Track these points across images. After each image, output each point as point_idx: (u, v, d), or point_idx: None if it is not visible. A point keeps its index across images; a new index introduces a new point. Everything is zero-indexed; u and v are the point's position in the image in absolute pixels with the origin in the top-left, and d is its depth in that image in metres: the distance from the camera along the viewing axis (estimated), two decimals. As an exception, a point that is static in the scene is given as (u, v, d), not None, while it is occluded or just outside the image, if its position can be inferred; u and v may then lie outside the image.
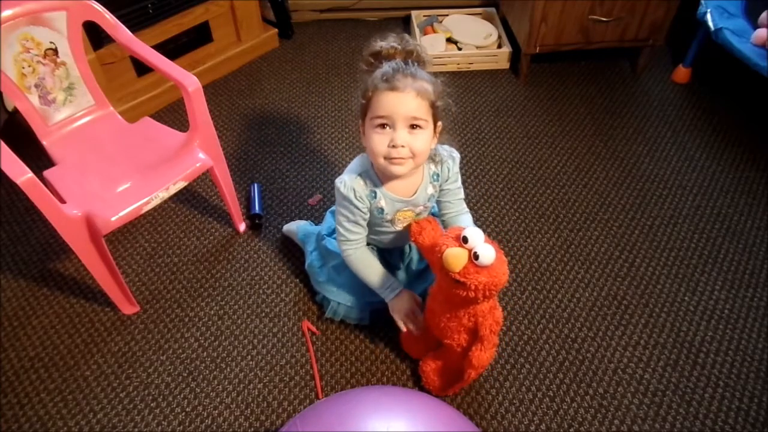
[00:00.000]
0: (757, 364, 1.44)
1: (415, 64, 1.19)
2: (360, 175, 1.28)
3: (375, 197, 1.29)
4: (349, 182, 1.27)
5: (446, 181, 1.34)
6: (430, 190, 1.33)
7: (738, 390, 1.39)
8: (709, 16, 1.96)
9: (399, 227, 1.37)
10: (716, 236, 1.73)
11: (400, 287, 1.38)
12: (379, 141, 1.18)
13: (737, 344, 1.48)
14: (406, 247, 1.49)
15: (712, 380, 1.41)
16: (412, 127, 1.17)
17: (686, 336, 1.50)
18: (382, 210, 1.30)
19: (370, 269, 1.38)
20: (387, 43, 1.20)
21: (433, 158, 1.31)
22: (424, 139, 1.19)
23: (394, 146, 1.16)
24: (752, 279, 1.62)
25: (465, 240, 1.09)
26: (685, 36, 2.24)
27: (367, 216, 1.32)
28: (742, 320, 1.53)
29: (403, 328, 1.36)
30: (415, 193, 1.31)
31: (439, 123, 1.24)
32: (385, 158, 1.19)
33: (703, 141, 2.03)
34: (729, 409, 1.36)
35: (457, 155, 1.34)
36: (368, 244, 1.43)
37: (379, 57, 1.20)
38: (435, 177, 1.32)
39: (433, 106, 1.19)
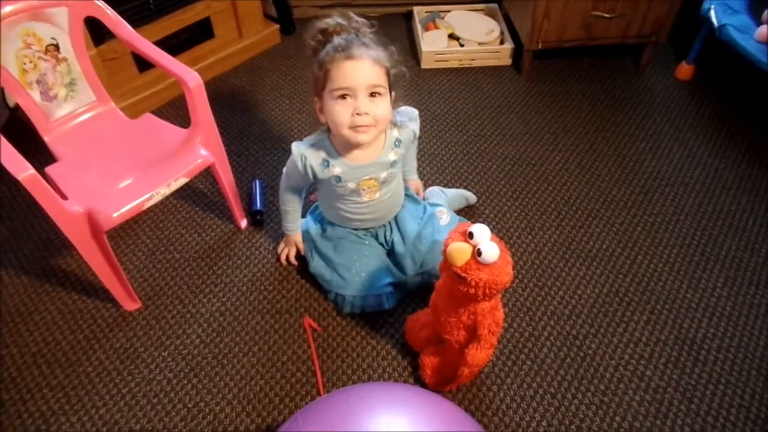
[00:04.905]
0: (759, 361, 1.44)
1: (366, 36, 1.24)
2: (314, 144, 1.32)
3: (328, 166, 1.32)
4: (303, 148, 1.32)
5: (412, 143, 1.38)
6: (392, 156, 1.35)
7: (739, 387, 1.39)
8: (712, 13, 1.95)
9: (365, 198, 1.39)
10: (718, 233, 1.73)
11: (297, 231, 1.56)
12: (341, 111, 1.21)
13: (739, 341, 1.48)
14: (387, 231, 1.52)
15: (713, 377, 1.41)
16: (372, 95, 1.20)
17: (688, 333, 1.50)
18: (339, 178, 1.33)
19: (291, 209, 1.50)
20: (333, 20, 1.25)
21: (394, 124, 1.34)
22: (384, 106, 1.23)
23: (357, 114, 1.19)
24: (754, 276, 1.62)
25: (471, 236, 1.09)
26: (689, 32, 2.23)
27: (305, 186, 1.43)
28: (743, 317, 1.53)
29: (283, 257, 1.59)
30: (375, 158, 1.33)
31: (393, 92, 1.27)
32: (350, 127, 1.21)
33: (706, 138, 2.02)
34: (730, 406, 1.36)
35: (415, 113, 1.38)
36: (355, 229, 1.48)
37: (326, 34, 1.24)
38: (397, 143, 1.35)
39: (388, 73, 1.23)
